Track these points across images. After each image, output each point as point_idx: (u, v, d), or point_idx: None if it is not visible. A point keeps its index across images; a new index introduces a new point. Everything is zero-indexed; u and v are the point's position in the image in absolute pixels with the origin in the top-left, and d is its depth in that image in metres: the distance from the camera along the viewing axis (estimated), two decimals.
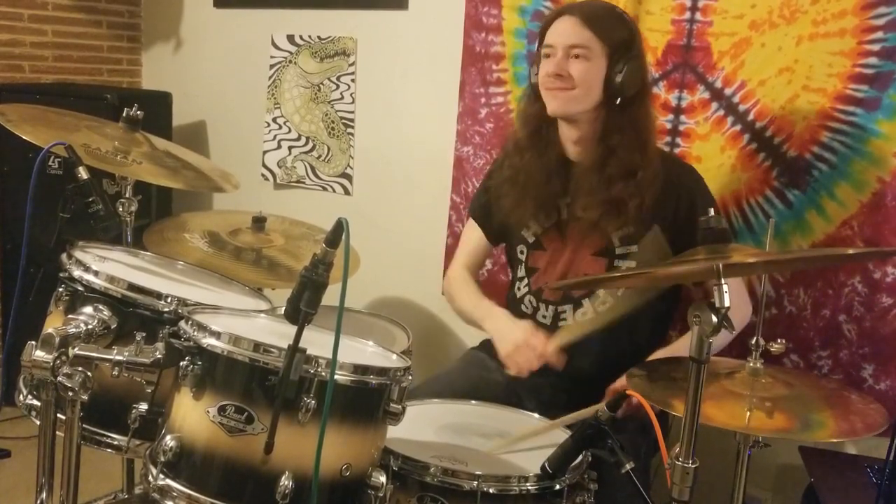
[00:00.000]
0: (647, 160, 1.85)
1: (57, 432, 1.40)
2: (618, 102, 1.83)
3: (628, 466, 1.41)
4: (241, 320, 1.52)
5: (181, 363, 1.28)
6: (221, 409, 1.25)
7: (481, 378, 2.01)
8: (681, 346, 1.90)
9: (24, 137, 1.73)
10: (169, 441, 1.27)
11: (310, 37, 3.02)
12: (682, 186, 1.90)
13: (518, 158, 1.97)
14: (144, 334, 1.38)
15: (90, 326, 1.41)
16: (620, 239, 1.91)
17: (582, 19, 1.82)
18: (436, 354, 2.74)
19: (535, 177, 1.93)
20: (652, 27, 2.28)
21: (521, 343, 1.83)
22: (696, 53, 2.24)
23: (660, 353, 1.88)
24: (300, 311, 1.19)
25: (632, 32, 1.86)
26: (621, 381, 1.78)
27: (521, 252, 2.04)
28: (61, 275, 1.53)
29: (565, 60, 1.82)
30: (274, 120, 3.14)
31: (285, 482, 1.22)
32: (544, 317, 1.99)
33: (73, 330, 1.37)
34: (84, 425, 1.40)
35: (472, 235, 2.17)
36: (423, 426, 1.67)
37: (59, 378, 1.32)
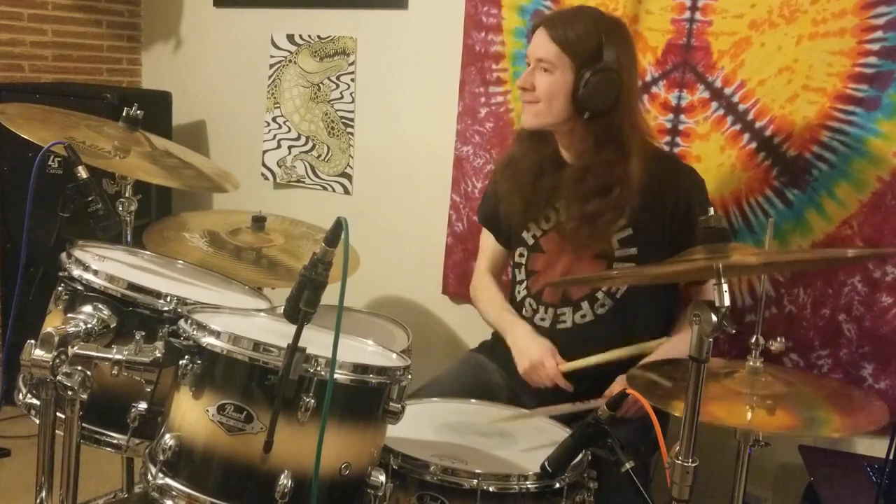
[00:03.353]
0: (627, 174, 1.83)
1: (56, 431, 1.40)
2: (586, 117, 1.81)
3: (628, 465, 1.41)
4: (241, 319, 1.52)
5: (181, 362, 1.28)
6: (221, 408, 1.25)
7: (480, 380, 2.02)
8: (671, 349, 1.89)
9: (23, 136, 1.73)
10: (168, 440, 1.27)
11: (309, 36, 3.02)
12: (679, 189, 1.89)
13: (517, 148, 2.00)
14: (144, 333, 1.38)
15: (90, 325, 1.41)
16: (620, 241, 1.91)
17: (549, 32, 1.82)
18: (436, 354, 2.73)
19: (527, 168, 1.94)
20: (652, 26, 2.28)
21: (536, 363, 1.88)
22: (695, 53, 2.24)
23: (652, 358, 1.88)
24: (300, 311, 1.20)
25: (601, 37, 1.80)
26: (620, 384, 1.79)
27: (521, 255, 2.04)
28: (61, 274, 1.53)
29: (531, 74, 1.84)
30: (274, 119, 3.14)
31: (284, 481, 1.22)
32: (543, 319, 1.98)
33: (73, 329, 1.37)
34: (83, 424, 1.40)
35: (488, 241, 2.20)
36: (422, 425, 1.67)
37: (59, 377, 1.32)
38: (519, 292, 2.05)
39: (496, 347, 2.11)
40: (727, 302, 1.22)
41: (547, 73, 1.81)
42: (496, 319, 2.08)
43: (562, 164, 1.94)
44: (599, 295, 1.93)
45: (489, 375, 2.04)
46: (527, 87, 1.84)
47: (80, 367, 1.34)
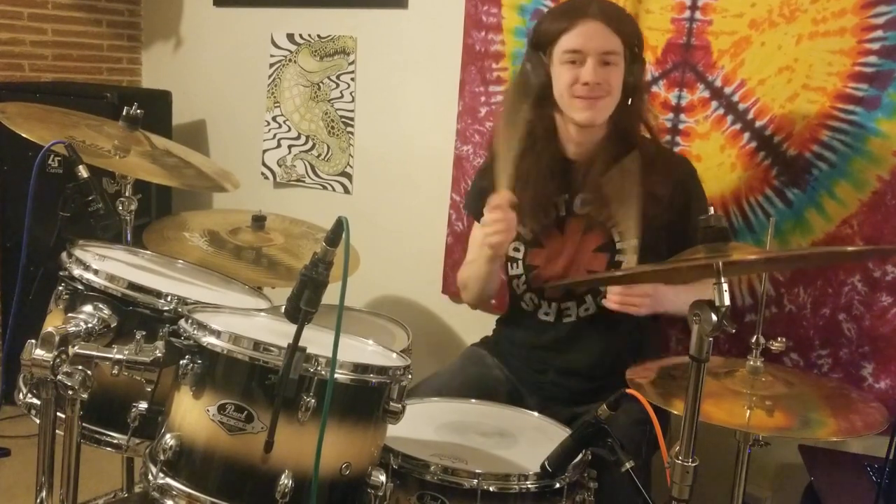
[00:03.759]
0: (640, 147, 1.87)
1: (57, 431, 1.40)
2: (630, 103, 1.85)
3: (628, 465, 1.41)
4: (241, 319, 1.52)
5: (181, 362, 1.28)
6: (221, 408, 1.25)
7: (481, 375, 2.02)
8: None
9: (23, 135, 1.73)
10: (169, 440, 1.27)
11: (310, 35, 3.02)
12: (677, 179, 1.91)
13: (521, 162, 1.92)
14: (144, 333, 1.38)
15: (90, 325, 1.41)
16: (620, 234, 1.91)
17: (608, 24, 1.79)
18: (436, 353, 2.73)
19: (535, 178, 1.92)
20: (652, 26, 2.28)
21: (484, 220, 1.85)
22: (695, 52, 2.24)
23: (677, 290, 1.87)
24: (300, 310, 1.20)
25: (639, 29, 1.88)
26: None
27: (517, 249, 2.03)
28: (61, 273, 1.53)
29: (601, 68, 1.80)
30: (274, 119, 3.14)
31: (285, 481, 1.23)
32: (546, 314, 1.98)
33: (73, 328, 1.37)
34: (84, 424, 1.40)
35: (478, 234, 2.17)
36: (423, 425, 1.67)
37: (59, 377, 1.31)
38: (518, 287, 2.04)
39: (497, 343, 2.12)
40: (727, 301, 1.22)
41: (612, 67, 1.81)
42: (470, 259, 2.08)
43: (567, 162, 1.93)
44: (602, 287, 1.93)
45: (490, 370, 2.05)
46: (601, 83, 1.80)
47: (80, 367, 1.33)
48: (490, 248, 1.84)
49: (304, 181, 3.11)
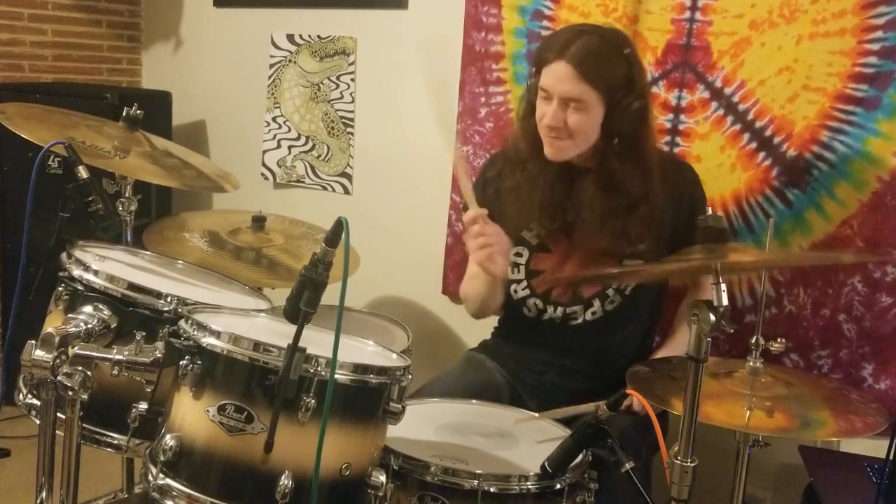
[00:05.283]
0: (649, 187, 1.83)
1: (57, 431, 1.40)
2: (615, 142, 1.80)
3: (628, 466, 1.42)
4: (241, 319, 1.52)
5: (181, 362, 1.28)
6: (221, 409, 1.25)
7: (481, 379, 2.01)
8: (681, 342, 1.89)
9: (23, 136, 1.73)
10: (169, 440, 1.27)
11: (310, 36, 3.02)
12: (684, 186, 1.91)
13: (520, 171, 1.93)
14: (144, 334, 1.38)
15: (90, 326, 1.41)
16: (628, 240, 1.90)
17: (577, 69, 1.73)
18: (436, 354, 2.73)
19: (539, 185, 1.90)
20: (651, 26, 2.28)
21: (466, 237, 1.80)
22: (695, 53, 2.24)
23: (664, 352, 1.88)
24: (300, 311, 1.20)
25: (630, 67, 1.79)
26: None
27: (519, 254, 2.01)
28: (61, 274, 1.53)
29: (562, 111, 1.76)
30: (274, 119, 3.14)
31: (285, 481, 1.23)
32: (552, 317, 1.96)
33: (73, 329, 1.37)
34: (84, 424, 1.41)
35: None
36: (423, 425, 1.67)
37: (59, 377, 1.32)
38: (516, 292, 2.02)
39: (496, 346, 2.11)
40: (725, 301, 1.22)
41: (578, 111, 1.76)
42: (476, 278, 1.98)
43: (572, 169, 1.91)
44: (610, 292, 1.93)
45: (490, 375, 2.04)
46: (559, 126, 1.77)
47: (80, 368, 1.34)
48: (485, 271, 1.80)
49: (304, 182, 3.11)
